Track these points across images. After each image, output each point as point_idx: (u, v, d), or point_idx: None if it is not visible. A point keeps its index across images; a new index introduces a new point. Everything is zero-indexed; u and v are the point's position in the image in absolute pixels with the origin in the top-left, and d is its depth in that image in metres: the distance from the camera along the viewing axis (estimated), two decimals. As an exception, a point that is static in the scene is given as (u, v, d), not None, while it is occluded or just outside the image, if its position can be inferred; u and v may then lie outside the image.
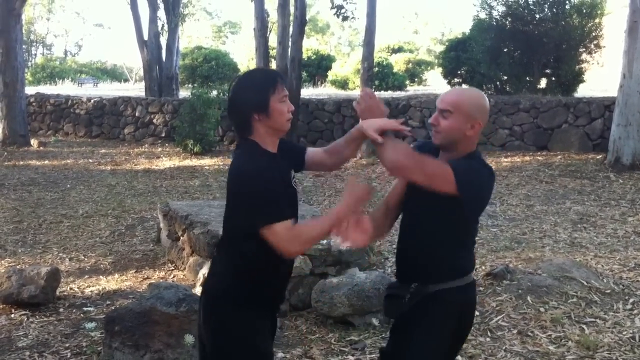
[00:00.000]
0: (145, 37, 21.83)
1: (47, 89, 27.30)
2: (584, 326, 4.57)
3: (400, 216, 2.76)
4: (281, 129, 2.49)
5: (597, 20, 17.30)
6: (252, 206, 2.37)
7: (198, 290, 5.45)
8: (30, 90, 21.15)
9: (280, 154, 2.54)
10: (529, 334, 4.46)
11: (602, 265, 6.01)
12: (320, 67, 32.80)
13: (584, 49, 17.27)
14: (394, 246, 6.53)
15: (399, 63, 32.85)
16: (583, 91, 18.09)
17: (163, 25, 23.31)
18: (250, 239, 2.39)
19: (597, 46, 17.33)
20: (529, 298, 5.00)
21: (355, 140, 2.68)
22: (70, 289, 5.70)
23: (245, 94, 2.44)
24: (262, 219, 2.35)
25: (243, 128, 2.47)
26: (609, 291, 5.23)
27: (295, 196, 2.62)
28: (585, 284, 5.28)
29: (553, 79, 17.72)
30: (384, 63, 29.56)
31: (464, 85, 21.53)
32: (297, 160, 2.70)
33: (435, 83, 31.97)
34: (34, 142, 16.60)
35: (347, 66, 32.21)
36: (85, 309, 5.15)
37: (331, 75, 31.87)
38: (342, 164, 2.76)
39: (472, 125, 2.50)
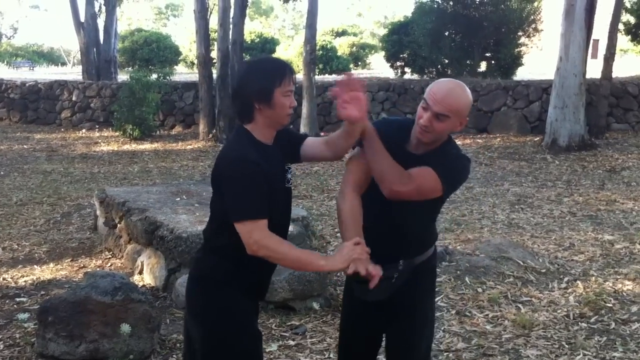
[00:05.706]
0: (82, 19, 21.19)
1: (-20, 72, 26.34)
2: (520, 305, 4.67)
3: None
4: (279, 122, 2.46)
5: (535, 4, 17.66)
6: (230, 195, 2.35)
7: (136, 278, 5.35)
8: (-39, 73, 20.37)
9: (277, 146, 2.50)
10: (467, 314, 4.52)
11: (538, 245, 6.16)
12: (264, 50, 32.52)
13: (522, 33, 17.60)
14: (336, 230, 6.58)
15: (343, 46, 32.92)
16: (522, 74, 18.47)
17: (100, 7, 22.68)
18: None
19: (536, 30, 17.70)
20: (467, 279, 5.08)
21: (351, 135, 2.55)
22: (3, 279, 5.51)
23: (251, 81, 2.40)
24: (237, 211, 2.33)
25: (243, 115, 2.45)
26: (544, 270, 5.36)
27: (286, 194, 2.56)
28: (522, 263, 5.40)
29: (493, 62, 18.04)
30: (328, 46, 29.57)
31: (406, 69, 21.62)
32: (292, 152, 2.62)
33: (379, 66, 32.14)
34: (-35, 127, 16.02)
35: (291, 49, 32.16)
36: (18, 299, 4.99)
37: (275, 58, 31.68)
38: (343, 155, 2.66)
39: (461, 123, 2.53)
